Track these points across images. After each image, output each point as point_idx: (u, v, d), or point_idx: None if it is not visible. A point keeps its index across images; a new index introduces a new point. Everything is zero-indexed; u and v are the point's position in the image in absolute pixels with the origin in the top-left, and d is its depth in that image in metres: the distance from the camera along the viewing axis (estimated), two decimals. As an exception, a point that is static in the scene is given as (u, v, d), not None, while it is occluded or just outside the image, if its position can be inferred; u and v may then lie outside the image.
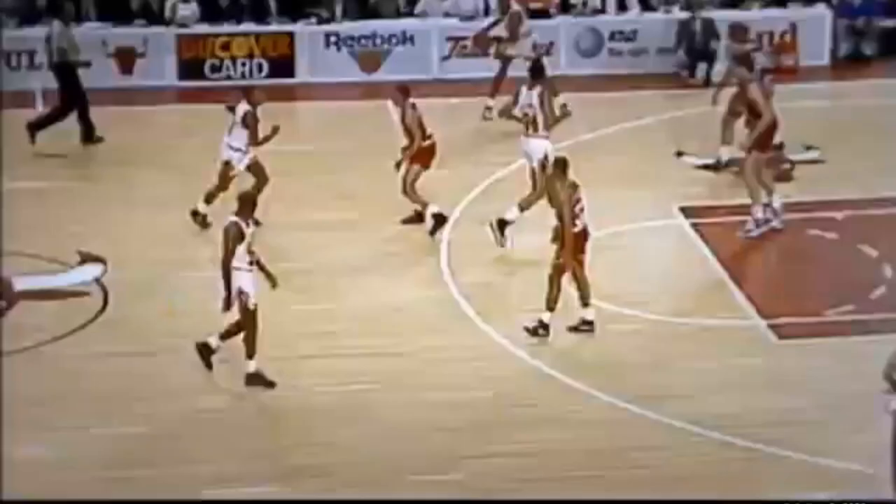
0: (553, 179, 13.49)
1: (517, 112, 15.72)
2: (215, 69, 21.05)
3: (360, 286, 14.36)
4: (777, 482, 10.91)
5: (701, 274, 14.59)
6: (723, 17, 20.89)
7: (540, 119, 15.31)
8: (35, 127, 18.30)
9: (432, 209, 15.35)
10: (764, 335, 13.24)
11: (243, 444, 11.59)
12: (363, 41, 21.22)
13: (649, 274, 14.63)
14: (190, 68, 20.98)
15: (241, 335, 12.34)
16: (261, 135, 15.33)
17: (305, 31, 21.24)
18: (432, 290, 14.29)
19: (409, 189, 15.39)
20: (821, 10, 21.44)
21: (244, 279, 12.23)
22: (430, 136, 15.45)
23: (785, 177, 16.58)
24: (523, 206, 15.10)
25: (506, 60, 19.30)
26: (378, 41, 21.23)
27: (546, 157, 14.98)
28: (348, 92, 20.56)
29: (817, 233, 15.21)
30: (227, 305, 12.27)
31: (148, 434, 11.68)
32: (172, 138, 18.88)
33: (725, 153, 17.18)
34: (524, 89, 15.58)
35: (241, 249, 12.20)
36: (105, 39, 20.69)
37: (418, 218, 15.56)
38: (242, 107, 15.37)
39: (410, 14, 21.68)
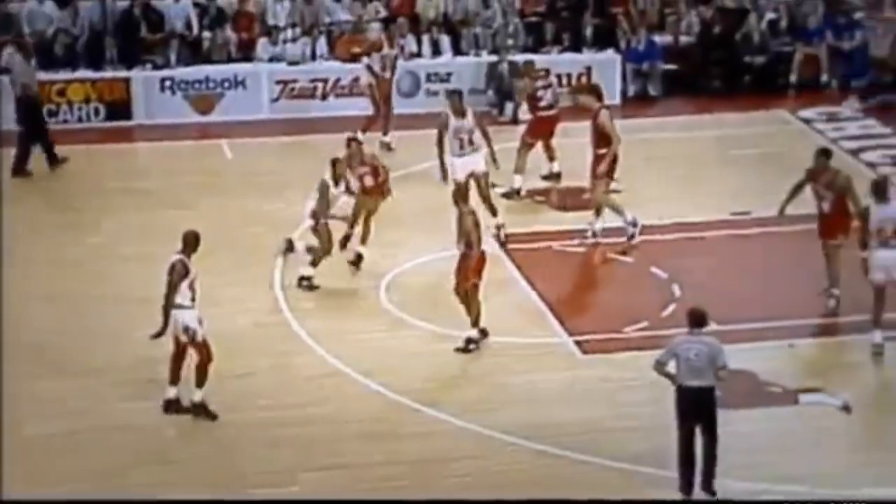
0: (458, 205, 13.67)
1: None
2: (52, 114, 20.53)
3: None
4: (584, 486, 11.15)
5: (513, 295, 14.79)
6: (526, 59, 21.33)
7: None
8: (18, 171, 18.24)
9: (362, 249, 15.39)
10: (570, 351, 13.53)
11: (83, 465, 11.40)
12: (197, 85, 21.05)
13: (465, 297, 14.87)
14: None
15: (196, 364, 12.17)
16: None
17: (141, 76, 20.95)
18: (269, 316, 14.30)
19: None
20: (611, 54, 22.01)
21: (186, 315, 12.05)
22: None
23: (567, 206, 16.97)
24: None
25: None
26: (211, 85, 21.08)
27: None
28: (183, 133, 20.40)
29: (615, 256, 15.59)
30: (159, 336, 12.05)
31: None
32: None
33: (518, 181, 17.56)
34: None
35: (184, 286, 12.03)
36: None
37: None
38: (324, 175, 15.07)
39: (242, 59, 21.59)
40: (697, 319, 10.88)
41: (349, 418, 12.26)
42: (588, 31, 22.24)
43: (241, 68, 21.31)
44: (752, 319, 13.62)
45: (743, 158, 18.99)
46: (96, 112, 20.78)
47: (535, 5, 22.81)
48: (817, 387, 12.58)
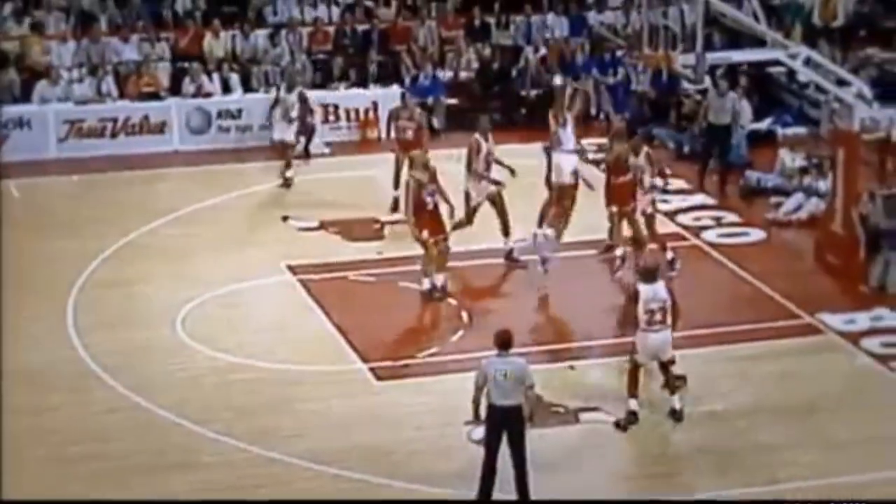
0: None
1: None
2: None
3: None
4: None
5: (309, 324, 14.74)
6: (317, 96, 21.30)
7: None
8: None
9: None
10: (366, 378, 13.51)
11: None
12: (-20, 127, 20.40)
13: (264, 326, 14.69)
14: None
15: None
16: None
17: (-81, 121, 20.14)
18: (62, 351, 13.93)
19: None
20: (396, 90, 22.16)
21: None
22: None
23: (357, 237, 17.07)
24: None
25: None
26: (-5, 126, 20.49)
27: None
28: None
29: (407, 284, 15.63)
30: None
31: None
32: None
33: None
34: None
35: None
36: None
37: None
38: None
39: (26, 100, 20.92)
40: (504, 341, 11.01)
41: (148, 450, 12.02)
42: (373, 68, 22.46)
43: (26, 109, 20.68)
44: (536, 343, 13.87)
45: (522, 187, 19.31)
46: None
47: (322, 43, 22.92)
48: (596, 406, 12.91)
